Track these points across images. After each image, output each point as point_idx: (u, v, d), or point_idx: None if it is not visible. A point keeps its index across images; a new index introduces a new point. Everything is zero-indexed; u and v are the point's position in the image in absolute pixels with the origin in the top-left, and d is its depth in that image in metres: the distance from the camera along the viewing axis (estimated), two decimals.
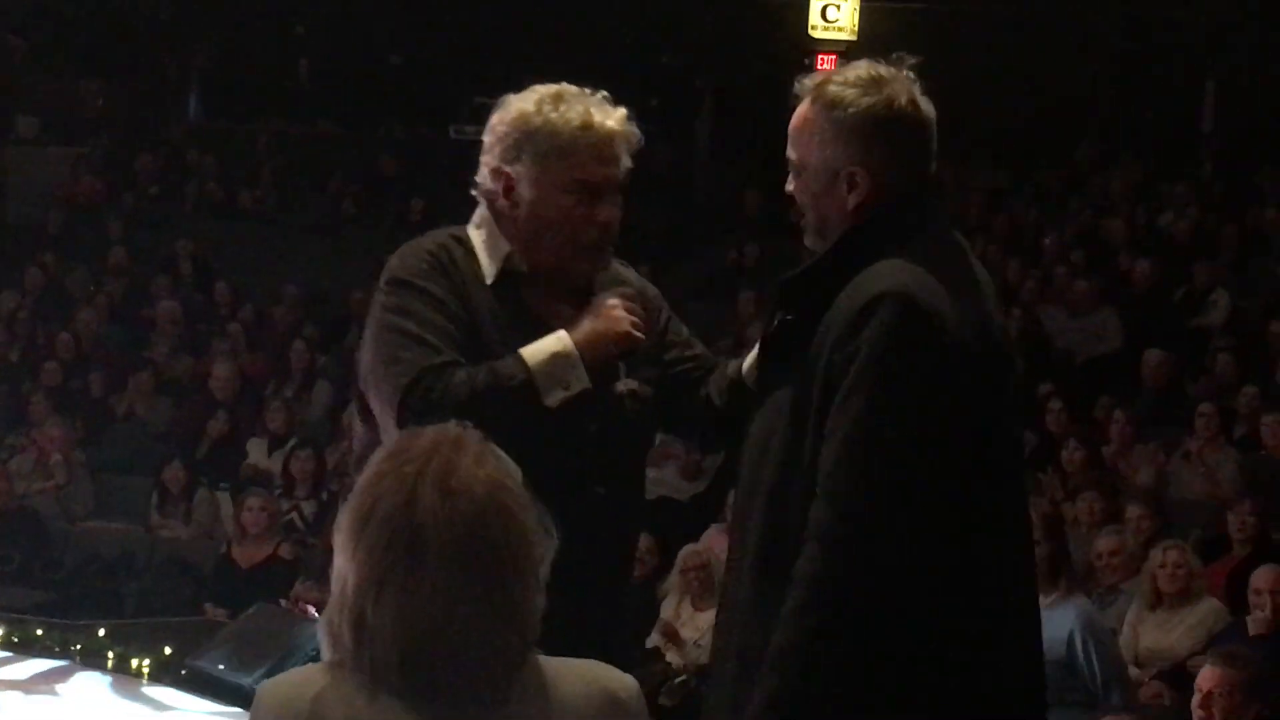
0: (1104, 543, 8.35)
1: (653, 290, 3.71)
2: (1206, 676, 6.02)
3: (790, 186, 3.35)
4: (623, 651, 3.43)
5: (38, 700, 7.31)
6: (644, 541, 8.09)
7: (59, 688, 7.52)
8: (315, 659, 2.44)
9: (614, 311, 3.46)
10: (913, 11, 18.01)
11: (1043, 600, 6.50)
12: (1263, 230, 13.95)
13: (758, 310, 11.79)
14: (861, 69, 3.30)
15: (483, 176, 3.56)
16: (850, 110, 3.24)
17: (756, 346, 3.47)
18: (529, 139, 3.48)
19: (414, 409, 3.28)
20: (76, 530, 11.58)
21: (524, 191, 3.50)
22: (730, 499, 6.16)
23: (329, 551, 2.41)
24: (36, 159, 18.08)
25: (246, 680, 7.16)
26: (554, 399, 3.38)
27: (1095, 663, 6.80)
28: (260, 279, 15.53)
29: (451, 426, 2.40)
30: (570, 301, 3.52)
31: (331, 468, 11.37)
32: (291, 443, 11.72)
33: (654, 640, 8.14)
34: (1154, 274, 13.03)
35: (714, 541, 8.57)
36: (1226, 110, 17.38)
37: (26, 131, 18.54)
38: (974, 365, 3.14)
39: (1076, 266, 13.45)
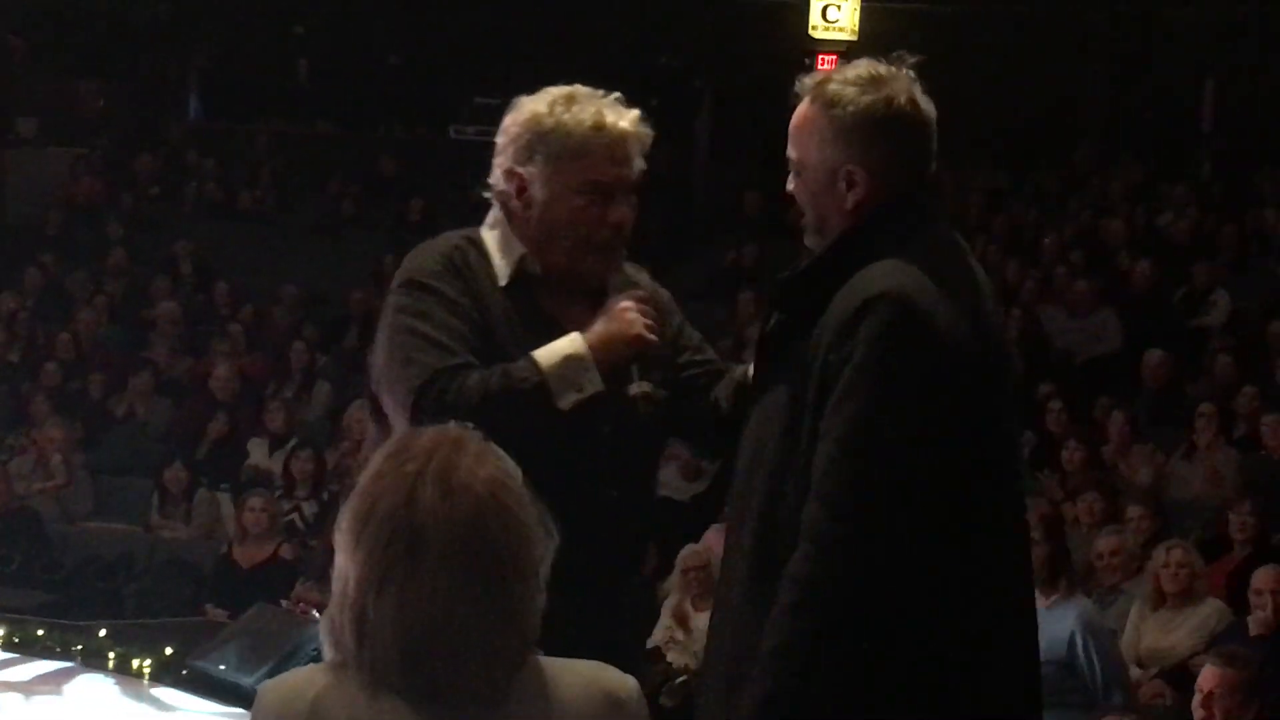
0: (1104, 543, 8.35)
1: (665, 294, 3.71)
2: (1207, 676, 6.02)
3: (790, 186, 3.35)
4: (631, 652, 3.44)
5: (39, 702, 7.31)
6: None
7: (60, 689, 7.52)
8: (316, 659, 2.44)
9: (627, 314, 3.46)
10: (913, 12, 18.01)
11: (1043, 601, 6.56)
12: (1262, 230, 13.96)
13: (758, 311, 11.79)
14: (862, 68, 3.30)
15: (495, 178, 3.57)
16: (849, 109, 3.24)
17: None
18: (541, 140, 3.48)
19: (427, 411, 3.28)
20: (77, 531, 11.58)
21: (536, 192, 3.50)
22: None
23: (330, 552, 2.41)
24: (36, 159, 18.07)
25: (247, 680, 7.17)
26: (567, 401, 3.38)
27: (1096, 663, 6.80)
28: (260, 279, 15.52)
29: (452, 426, 2.40)
30: (584, 303, 3.52)
31: (332, 468, 11.37)
32: (292, 443, 11.71)
33: (655, 640, 8.14)
34: (1154, 274, 13.03)
35: (714, 542, 8.56)
36: (1226, 110, 17.39)
37: (26, 132, 18.53)
38: (970, 366, 3.14)
39: (1076, 267, 13.46)
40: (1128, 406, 10.89)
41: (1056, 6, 18.34)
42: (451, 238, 3.59)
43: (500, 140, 3.56)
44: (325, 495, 11.00)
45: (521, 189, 3.51)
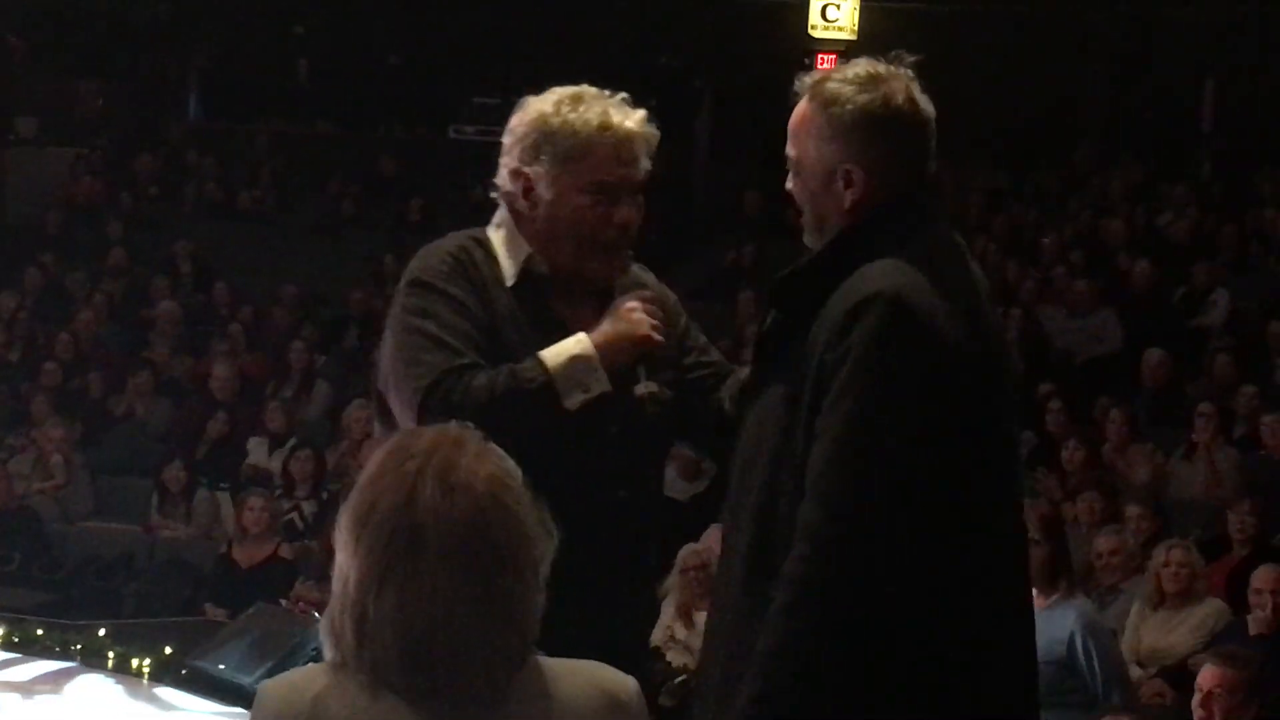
0: (1104, 542, 8.35)
1: (672, 296, 3.71)
2: (1207, 676, 6.02)
3: (789, 185, 3.35)
4: (637, 652, 3.44)
5: (38, 702, 7.30)
6: None
7: (59, 689, 7.52)
8: (316, 659, 2.44)
9: (633, 314, 3.47)
10: (913, 11, 18.01)
11: (1043, 601, 6.55)
12: (1262, 230, 13.95)
13: (757, 310, 11.79)
14: (860, 67, 3.30)
15: (502, 178, 3.57)
16: (847, 107, 3.24)
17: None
18: (547, 140, 3.48)
19: (434, 411, 3.28)
20: (76, 530, 11.58)
21: (543, 192, 3.50)
22: None
23: (329, 551, 2.41)
24: (36, 159, 18.08)
25: (247, 680, 7.16)
26: (574, 401, 3.38)
27: (1095, 663, 6.79)
28: (259, 279, 15.53)
29: (452, 425, 2.40)
30: (590, 303, 3.53)
31: (331, 468, 11.38)
32: (291, 443, 11.72)
33: (655, 639, 8.14)
34: (1153, 274, 13.03)
35: (714, 541, 8.56)
36: (1226, 110, 17.39)
37: (26, 132, 18.53)
38: (967, 366, 3.14)
39: (1076, 267, 13.46)
40: (1127, 406, 10.89)
41: (1056, 6, 18.33)
42: (458, 238, 3.59)
43: (507, 140, 3.56)
44: (324, 495, 11.00)
45: (528, 189, 3.51)
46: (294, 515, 10.96)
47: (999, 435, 3.23)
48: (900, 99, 3.24)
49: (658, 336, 3.48)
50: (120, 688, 7.58)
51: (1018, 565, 3.29)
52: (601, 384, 3.41)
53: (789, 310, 3.27)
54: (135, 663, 7.79)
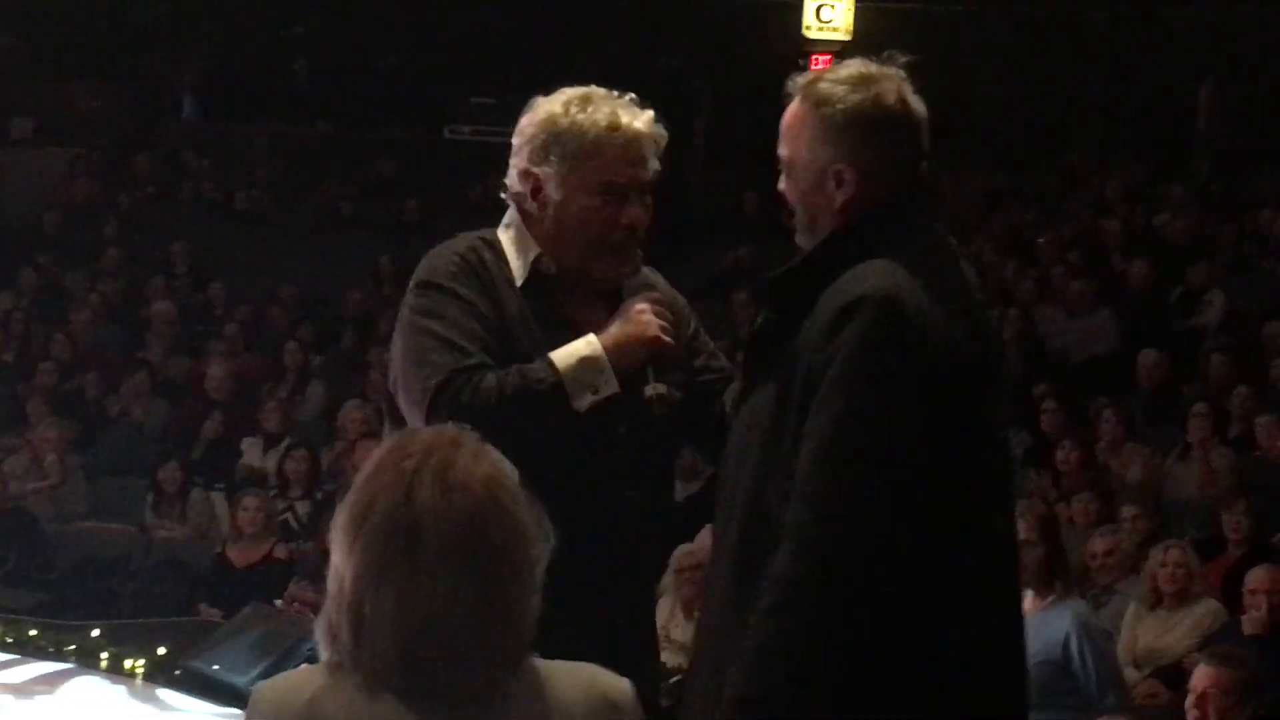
0: (1099, 543, 8.35)
1: (681, 299, 3.72)
2: (1201, 676, 6.02)
3: (782, 185, 3.35)
4: (643, 651, 3.44)
5: (33, 703, 7.30)
6: None
7: (54, 690, 7.51)
8: (312, 660, 2.44)
9: (642, 316, 3.48)
10: (908, 11, 18.02)
11: (1039, 602, 6.56)
12: (1258, 231, 13.95)
13: (752, 311, 11.77)
14: (852, 67, 3.30)
15: (511, 179, 3.58)
16: (838, 107, 3.24)
17: None
18: (556, 140, 3.49)
19: (443, 411, 3.29)
20: (71, 531, 11.57)
21: (551, 193, 3.51)
22: None
23: (324, 552, 2.41)
24: (32, 160, 18.07)
25: (241, 680, 7.16)
26: (583, 403, 3.39)
27: (1090, 664, 6.80)
28: (256, 280, 15.52)
29: (449, 426, 2.41)
30: (600, 304, 3.54)
31: (326, 468, 11.37)
32: (286, 443, 11.71)
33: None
34: (1150, 275, 13.03)
35: (709, 541, 8.55)
36: (1222, 111, 17.39)
37: (22, 132, 18.53)
38: (957, 367, 3.14)
39: (1072, 267, 13.45)
40: (1123, 406, 10.89)
41: (1053, 7, 18.34)
42: (467, 239, 3.60)
43: (516, 141, 3.57)
44: (320, 495, 11.00)
45: (536, 189, 3.52)
46: (289, 515, 10.95)
47: (989, 437, 3.23)
48: (892, 99, 3.24)
49: (666, 338, 3.49)
50: (115, 688, 7.58)
51: (1007, 566, 3.29)
52: (610, 385, 3.41)
53: (780, 310, 3.27)
54: (130, 663, 7.79)
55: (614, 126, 3.48)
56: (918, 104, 3.28)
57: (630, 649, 3.28)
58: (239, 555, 10.12)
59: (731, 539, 3.22)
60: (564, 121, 3.49)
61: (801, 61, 14.90)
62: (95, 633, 8.31)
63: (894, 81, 3.26)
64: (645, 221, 3.54)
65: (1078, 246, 14.05)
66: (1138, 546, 8.52)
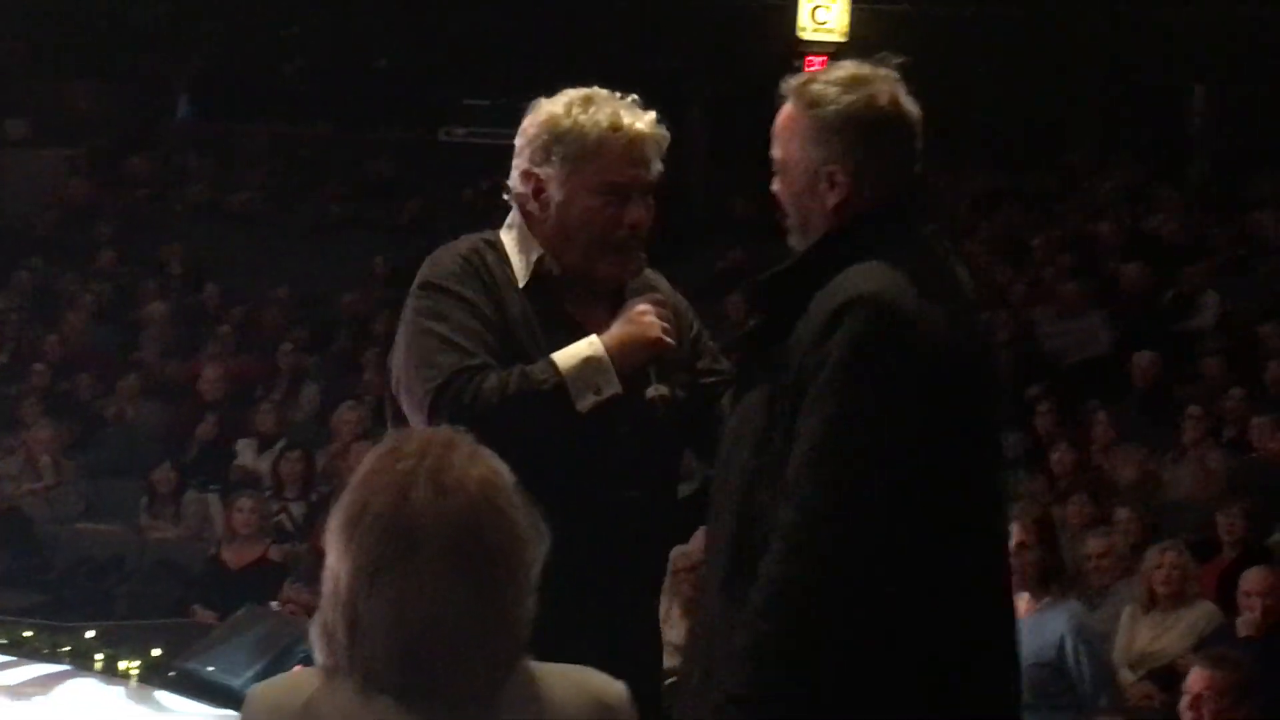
0: (1093, 544, 8.36)
1: (684, 301, 3.73)
2: (1195, 678, 6.02)
3: (775, 186, 3.36)
4: (645, 651, 3.44)
5: (27, 705, 7.29)
6: None
7: (49, 691, 7.50)
8: (306, 661, 2.44)
9: (644, 317, 3.49)
10: (903, 13, 18.02)
11: (1034, 604, 6.56)
12: (1251, 233, 13.97)
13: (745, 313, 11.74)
14: (845, 69, 3.31)
15: (514, 180, 3.58)
16: (830, 109, 3.24)
17: None
18: (558, 141, 3.50)
19: (445, 412, 3.30)
20: (66, 532, 11.56)
21: (553, 193, 3.52)
22: None
23: (318, 553, 2.41)
24: (27, 161, 18.05)
25: (236, 682, 7.15)
26: (585, 403, 3.40)
27: (1085, 666, 6.80)
28: (250, 281, 15.52)
29: (444, 428, 2.41)
30: (603, 304, 3.55)
31: (320, 469, 11.37)
32: (281, 444, 11.71)
33: None
34: (1143, 277, 13.04)
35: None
36: (1215, 114, 17.41)
37: (16, 133, 18.51)
38: (949, 370, 3.14)
39: (1066, 269, 13.47)
40: (1116, 408, 10.90)
41: (1048, 9, 18.35)
42: (470, 240, 3.61)
43: (518, 142, 3.58)
44: (314, 496, 11.00)
45: (539, 190, 3.53)
46: (283, 517, 10.96)
47: (980, 439, 3.23)
48: (884, 100, 3.25)
49: (668, 339, 3.50)
50: (110, 690, 7.57)
51: (997, 568, 3.29)
52: (613, 386, 3.42)
53: (772, 312, 3.28)
54: (124, 665, 7.77)
55: (616, 127, 3.49)
56: (911, 105, 3.28)
57: (633, 649, 3.28)
58: (233, 556, 10.11)
59: (724, 540, 3.23)
60: (566, 122, 3.50)
61: (796, 63, 14.91)
62: (90, 634, 8.30)
63: (887, 83, 3.27)
64: (648, 222, 3.55)
65: (1071, 248, 14.06)
66: (1132, 548, 8.53)
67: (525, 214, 3.56)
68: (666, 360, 3.53)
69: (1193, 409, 10.45)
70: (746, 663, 3.04)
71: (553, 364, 3.40)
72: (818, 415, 3.07)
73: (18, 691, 7.44)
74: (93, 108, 19.18)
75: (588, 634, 3.17)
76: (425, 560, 2.26)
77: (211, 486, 11.70)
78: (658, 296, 3.58)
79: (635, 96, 3.57)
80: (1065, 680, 6.79)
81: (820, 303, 3.14)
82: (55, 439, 12.06)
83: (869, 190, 3.25)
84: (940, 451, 3.10)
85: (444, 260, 3.54)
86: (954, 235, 14.14)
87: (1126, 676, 7.64)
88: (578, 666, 2.40)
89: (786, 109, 3.31)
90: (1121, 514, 8.96)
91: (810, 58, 16.60)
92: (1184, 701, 6.04)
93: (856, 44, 16.31)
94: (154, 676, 7.69)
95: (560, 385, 3.38)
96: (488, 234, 3.62)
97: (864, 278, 3.13)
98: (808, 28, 17.95)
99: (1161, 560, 7.84)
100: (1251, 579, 7.49)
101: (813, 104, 3.26)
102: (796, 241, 3.34)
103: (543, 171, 3.51)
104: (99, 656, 7.86)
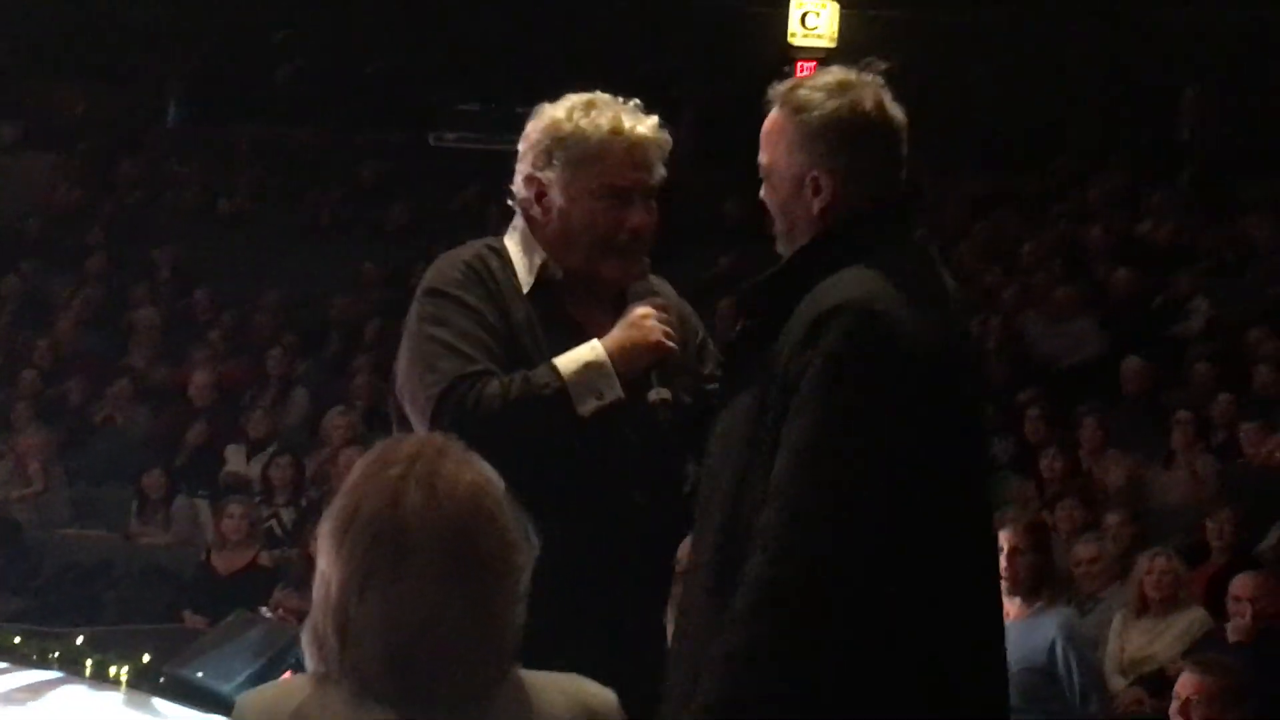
0: (1083, 550, 8.37)
1: (688, 307, 3.75)
2: (1185, 683, 6.03)
3: (762, 193, 3.36)
4: (655, 656, 3.44)
5: (17, 711, 7.28)
6: None
7: (37, 698, 7.49)
8: (297, 667, 2.44)
9: (646, 321, 3.50)
10: (893, 19, 18.03)
11: (1026, 609, 6.57)
12: (1241, 238, 13.98)
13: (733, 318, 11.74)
14: (832, 74, 3.32)
15: (517, 185, 3.60)
16: (815, 114, 3.25)
17: None
18: (560, 145, 3.52)
19: (447, 417, 3.32)
20: (55, 538, 11.55)
21: (555, 197, 3.53)
22: None
23: (309, 559, 2.41)
24: (15, 166, 18.02)
25: (226, 688, 7.14)
26: (587, 408, 3.41)
27: (1075, 671, 6.81)
28: (240, 286, 15.49)
29: (435, 434, 2.41)
30: (607, 308, 3.56)
31: (310, 475, 11.36)
32: (270, 449, 11.70)
33: None
34: (1133, 282, 13.05)
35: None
36: (1207, 118, 17.42)
37: (6, 137, 18.48)
38: (933, 376, 3.14)
39: (1056, 274, 13.48)
40: (1105, 413, 10.91)
41: (1038, 14, 18.37)
42: (474, 246, 3.62)
43: (521, 146, 3.59)
44: (304, 501, 10.99)
45: (541, 194, 3.55)
46: (273, 522, 10.95)
47: (965, 444, 3.23)
48: (869, 105, 3.25)
49: (670, 343, 3.50)
50: (99, 696, 7.56)
51: (983, 574, 3.29)
52: (614, 391, 3.43)
53: (758, 318, 3.28)
54: (113, 670, 7.75)
55: (617, 131, 3.51)
56: (896, 111, 3.29)
57: (638, 652, 3.28)
58: (223, 562, 10.10)
59: (709, 545, 3.23)
60: (567, 126, 3.51)
61: (787, 68, 14.90)
62: (79, 640, 8.28)
63: (872, 88, 3.27)
64: (650, 225, 3.57)
65: (1060, 253, 14.07)
66: (1122, 554, 8.53)
67: (528, 219, 3.58)
68: (669, 364, 3.54)
69: (1182, 414, 10.46)
70: (727, 667, 3.05)
71: (554, 369, 3.41)
72: (801, 421, 3.08)
73: (8, 698, 7.43)
74: (83, 112, 19.16)
75: (592, 637, 3.18)
76: (416, 565, 2.26)
77: (201, 492, 11.69)
78: (660, 300, 3.59)
79: (637, 101, 3.59)
80: (1055, 685, 6.80)
81: (805, 308, 3.15)
82: (44, 444, 12.04)
83: (854, 195, 3.25)
84: (924, 457, 3.10)
85: (447, 266, 3.55)
86: (945, 239, 14.17)
87: (1118, 682, 7.64)
88: (568, 674, 2.40)
89: (773, 115, 3.32)
90: (1111, 519, 8.97)
91: (800, 63, 16.62)
92: (1174, 706, 6.04)
93: (846, 50, 16.32)
94: (144, 682, 7.68)
95: (562, 390, 3.39)
96: (492, 240, 3.64)
97: (849, 284, 3.14)
98: (798, 33, 17.97)
99: (1152, 566, 7.85)
100: (1241, 584, 7.50)
101: (798, 109, 3.27)
102: (783, 247, 3.34)
103: (545, 176, 3.53)
104: (88, 662, 7.85)
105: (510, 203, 3.63)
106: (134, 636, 8.74)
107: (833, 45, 17.60)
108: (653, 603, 3.61)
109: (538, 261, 3.55)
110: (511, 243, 3.59)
